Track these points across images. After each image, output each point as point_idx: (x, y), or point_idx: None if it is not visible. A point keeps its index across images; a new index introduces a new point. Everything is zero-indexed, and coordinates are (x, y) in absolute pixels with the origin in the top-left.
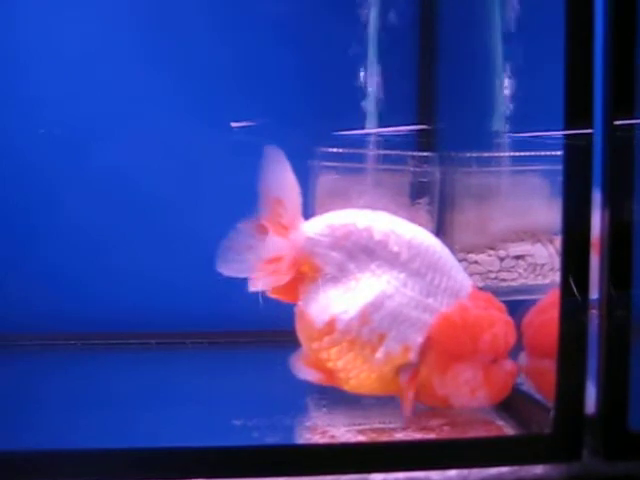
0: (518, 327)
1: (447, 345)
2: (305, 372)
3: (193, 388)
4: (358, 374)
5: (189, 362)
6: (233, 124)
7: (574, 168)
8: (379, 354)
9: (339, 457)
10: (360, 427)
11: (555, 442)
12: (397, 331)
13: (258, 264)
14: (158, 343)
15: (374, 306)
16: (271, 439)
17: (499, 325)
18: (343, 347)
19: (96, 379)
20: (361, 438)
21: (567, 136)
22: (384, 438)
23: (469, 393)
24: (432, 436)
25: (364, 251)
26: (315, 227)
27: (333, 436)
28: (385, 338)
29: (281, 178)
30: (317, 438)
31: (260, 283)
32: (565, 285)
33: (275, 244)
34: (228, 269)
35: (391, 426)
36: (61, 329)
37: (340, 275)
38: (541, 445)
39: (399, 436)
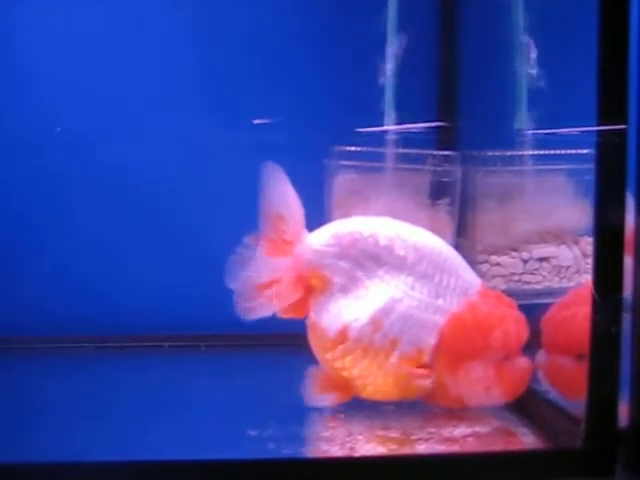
0: (537, 325)
1: (459, 345)
2: (320, 399)
3: (206, 394)
4: (374, 380)
5: (203, 366)
6: (255, 121)
7: (607, 165)
8: (393, 359)
9: (359, 471)
10: (380, 437)
11: (587, 456)
12: (409, 334)
13: (252, 291)
14: (171, 346)
15: (384, 311)
16: (288, 451)
17: (510, 321)
18: (357, 355)
19: (108, 383)
20: (381, 450)
21: (600, 132)
22: (406, 450)
23: (483, 391)
24: (456, 448)
25: (371, 258)
26: (320, 238)
27: (352, 447)
28: (398, 342)
29: (281, 194)
30: (336, 450)
31: (261, 310)
32: (596, 289)
33: (270, 267)
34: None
35: (413, 437)
36: (74, 332)
37: (349, 284)
38: (572, 459)
39: (421, 448)
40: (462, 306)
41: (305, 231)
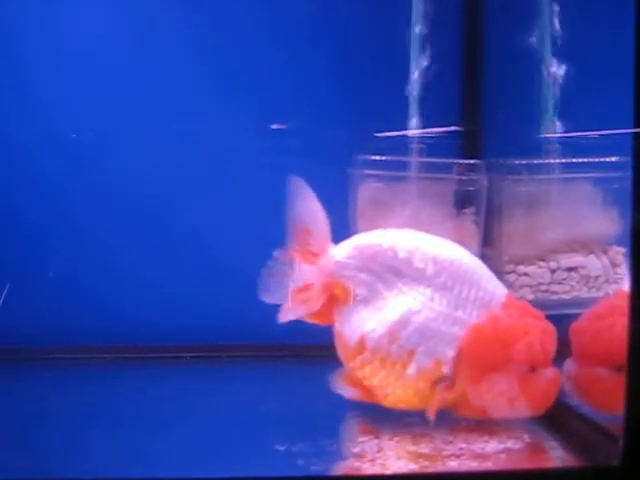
0: (566, 335)
1: (479, 356)
2: (344, 389)
3: (230, 407)
4: (394, 391)
5: (226, 377)
6: (274, 126)
7: None
8: (410, 370)
9: None
10: (411, 454)
11: (625, 476)
12: (426, 346)
13: (290, 294)
14: (193, 357)
15: (401, 323)
16: (318, 467)
17: (534, 333)
18: (375, 365)
19: (127, 395)
20: (413, 467)
21: (636, 135)
22: (438, 467)
23: (507, 404)
24: (489, 465)
25: (390, 270)
26: (343, 251)
27: (383, 464)
28: (415, 354)
29: (307, 207)
30: (367, 467)
31: (291, 313)
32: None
33: (304, 273)
34: (269, 297)
35: (444, 453)
36: (92, 343)
37: (370, 295)
38: (610, 478)
39: (453, 464)
40: (483, 318)
41: (330, 243)
